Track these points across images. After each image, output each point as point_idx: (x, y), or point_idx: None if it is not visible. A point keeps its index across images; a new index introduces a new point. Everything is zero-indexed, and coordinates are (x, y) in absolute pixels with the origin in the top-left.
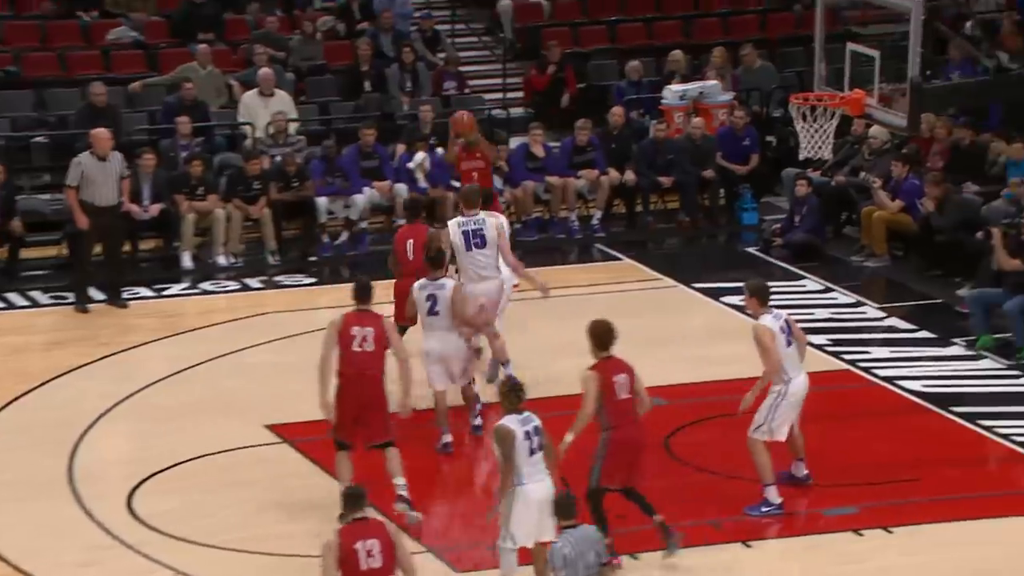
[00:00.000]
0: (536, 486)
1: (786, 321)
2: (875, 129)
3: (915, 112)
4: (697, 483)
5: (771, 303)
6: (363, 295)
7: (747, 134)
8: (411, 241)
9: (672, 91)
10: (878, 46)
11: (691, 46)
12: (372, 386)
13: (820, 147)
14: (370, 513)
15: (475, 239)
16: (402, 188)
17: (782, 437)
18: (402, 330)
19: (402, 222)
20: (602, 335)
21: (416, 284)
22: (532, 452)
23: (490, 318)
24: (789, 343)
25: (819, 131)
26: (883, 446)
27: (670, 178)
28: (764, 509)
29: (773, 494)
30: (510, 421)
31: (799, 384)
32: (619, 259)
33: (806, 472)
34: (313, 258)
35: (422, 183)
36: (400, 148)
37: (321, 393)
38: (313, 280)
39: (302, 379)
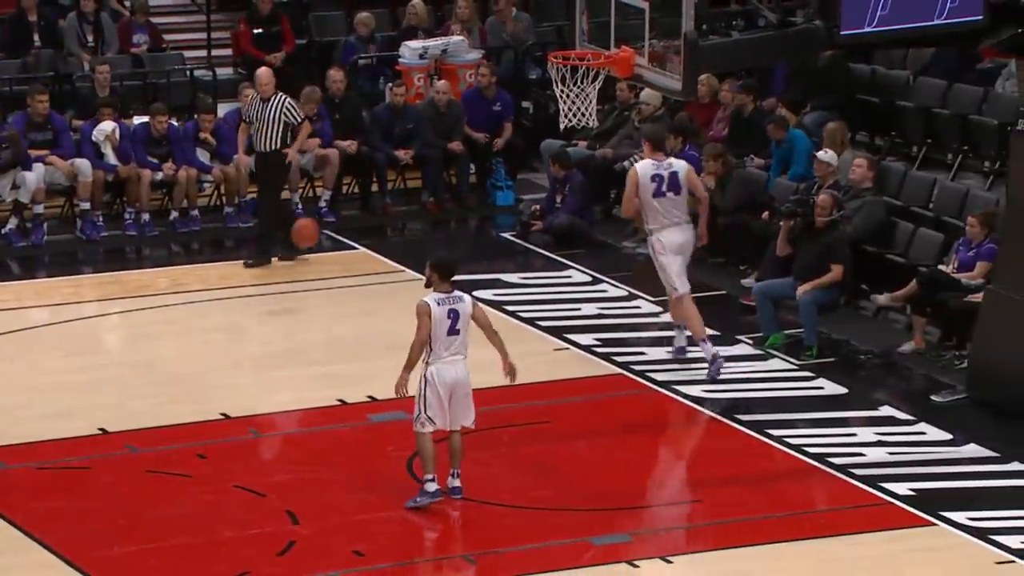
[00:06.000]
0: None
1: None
2: (646, 93)
3: (691, 73)
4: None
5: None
6: None
7: (499, 98)
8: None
9: (411, 48)
10: None
11: None
12: None
13: (583, 114)
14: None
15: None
16: (84, 164)
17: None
18: None
19: (86, 205)
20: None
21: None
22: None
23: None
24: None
25: (580, 95)
26: (659, 462)
27: (410, 152)
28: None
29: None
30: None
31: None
32: (352, 247)
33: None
34: None
35: (111, 159)
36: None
37: None
38: None
39: None
